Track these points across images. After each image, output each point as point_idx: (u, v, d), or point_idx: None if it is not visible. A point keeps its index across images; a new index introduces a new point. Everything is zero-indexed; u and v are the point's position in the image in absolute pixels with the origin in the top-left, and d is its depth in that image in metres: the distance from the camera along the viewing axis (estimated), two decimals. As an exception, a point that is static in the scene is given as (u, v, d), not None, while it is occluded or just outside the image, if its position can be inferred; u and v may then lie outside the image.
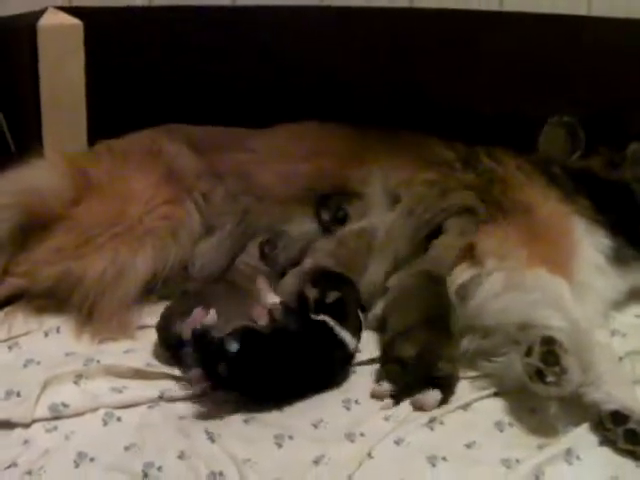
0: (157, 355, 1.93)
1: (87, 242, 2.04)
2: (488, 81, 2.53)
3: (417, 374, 1.81)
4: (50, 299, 2.04)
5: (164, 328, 1.92)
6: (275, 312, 1.91)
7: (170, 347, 1.90)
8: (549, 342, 1.73)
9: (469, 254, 2.03)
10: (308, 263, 2.15)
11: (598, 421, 1.71)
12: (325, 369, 1.86)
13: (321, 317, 1.90)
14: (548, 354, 1.72)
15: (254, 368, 1.73)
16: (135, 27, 2.59)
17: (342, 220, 2.22)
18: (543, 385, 1.71)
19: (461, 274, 2.01)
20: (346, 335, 1.88)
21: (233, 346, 1.69)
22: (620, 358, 1.97)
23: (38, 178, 2.12)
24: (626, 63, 2.46)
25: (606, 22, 2.48)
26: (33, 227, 2.05)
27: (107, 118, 2.54)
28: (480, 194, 2.18)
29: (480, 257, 2.00)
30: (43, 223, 2.06)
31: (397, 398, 1.81)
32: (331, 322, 1.88)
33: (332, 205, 2.24)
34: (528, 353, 1.75)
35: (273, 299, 1.99)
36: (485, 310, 1.94)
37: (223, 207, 2.25)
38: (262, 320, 1.89)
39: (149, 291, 2.14)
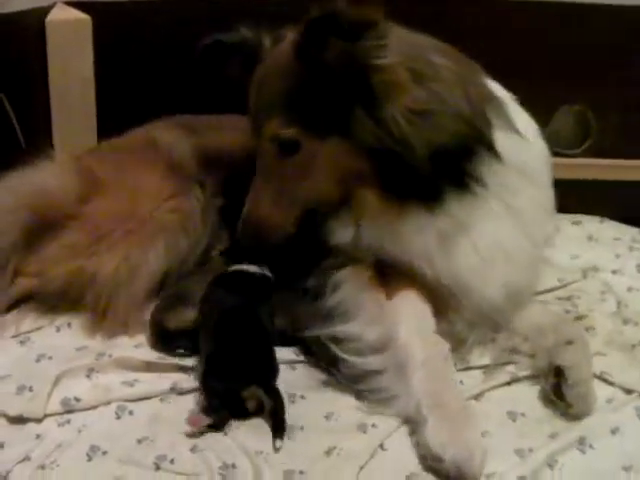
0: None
1: (99, 240, 2.03)
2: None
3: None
4: (61, 300, 2.03)
5: (156, 323, 1.96)
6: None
7: (164, 341, 1.93)
8: (558, 373, 1.76)
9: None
10: None
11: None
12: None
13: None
14: (556, 387, 1.76)
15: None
16: (143, 21, 2.59)
17: None
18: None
19: None
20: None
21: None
22: (632, 346, 1.97)
23: (46, 179, 2.10)
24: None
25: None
26: (43, 228, 2.03)
27: (116, 112, 2.54)
28: None
29: None
30: (52, 223, 2.04)
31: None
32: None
33: None
34: (546, 379, 1.79)
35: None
36: None
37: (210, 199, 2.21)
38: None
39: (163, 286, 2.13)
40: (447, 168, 1.73)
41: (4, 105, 2.42)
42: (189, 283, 2.04)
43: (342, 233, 1.86)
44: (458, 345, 1.87)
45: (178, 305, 1.96)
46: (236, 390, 1.67)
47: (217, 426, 1.65)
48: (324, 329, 1.83)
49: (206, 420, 1.65)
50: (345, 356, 1.77)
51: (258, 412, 1.69)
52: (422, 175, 1.71)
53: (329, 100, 1.70)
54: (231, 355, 1.74)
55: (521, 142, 1.85)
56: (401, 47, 1.71)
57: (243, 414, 1.68)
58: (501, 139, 1.80)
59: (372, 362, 1.75)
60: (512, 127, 1.84)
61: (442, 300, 1.84)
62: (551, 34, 2.61)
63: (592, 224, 2.65)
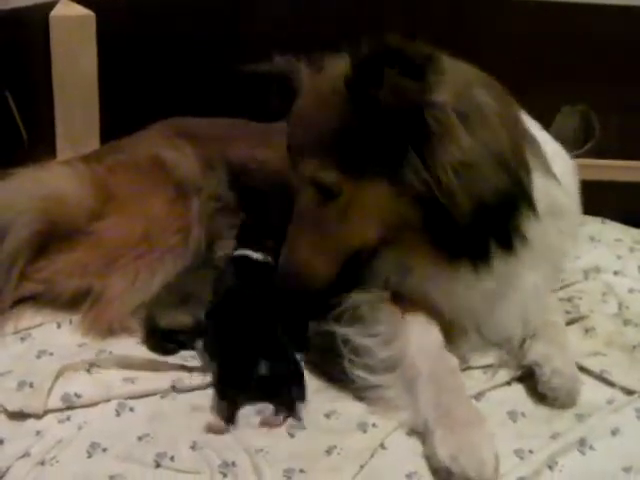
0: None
1: (110, 263, 2.04)
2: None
3: None
4: (63, 308, 2.04)
5: (149, 319, 1.96)
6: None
7: (154, 338, 1.93)
8: (534, 370, 1.80)
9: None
10: None
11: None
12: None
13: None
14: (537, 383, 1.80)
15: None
16: (148, 18, 2.59)
17: None
18: None
19: None
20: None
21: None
22: (633, 347, 1.97)
23: (61, 185, 2.09)
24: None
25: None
26: (53, 235, 2.03)
27: (120, 108, 2.54)
28: None
29: None
30: (64, 232, 2.04)
31: None
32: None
33: None
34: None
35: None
36: None
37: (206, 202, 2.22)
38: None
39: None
40: (490, 225, 1.66)
41: (8, 101, 2.42)
42: (193, 284, 2.04)
43: (389, 275, 1.82)
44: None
45: (178, 305, 1.96)
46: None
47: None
48: (339, 328, 1.80)
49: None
50: (355, 372, 1.76)
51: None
52: (467, 231, 1.63)
53: (378, 141, 1.60)
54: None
55: (554, 182, 1.80)
56: (451, 83, 1.62)
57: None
58: (538, 184, 1.74)
59: (381, 380, 1.74)
60: (548, 169, 1.80)
61: (454, 329, 1.84)
62: (553, 35, 2.61)
63: (594, 225, 2.66)
